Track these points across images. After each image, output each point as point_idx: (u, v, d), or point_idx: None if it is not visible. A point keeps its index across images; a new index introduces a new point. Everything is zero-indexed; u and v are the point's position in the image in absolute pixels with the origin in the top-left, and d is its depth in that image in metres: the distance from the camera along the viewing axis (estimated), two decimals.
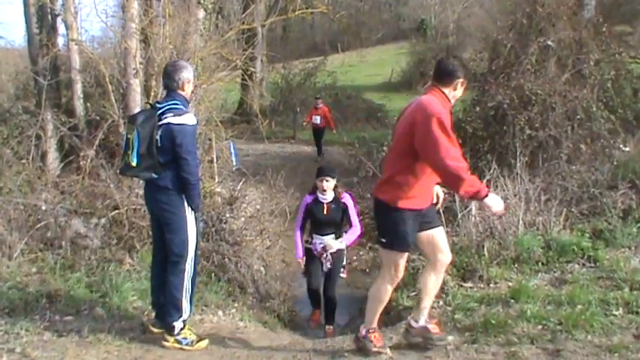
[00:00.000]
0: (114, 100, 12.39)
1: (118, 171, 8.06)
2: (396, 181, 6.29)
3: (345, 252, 9.94)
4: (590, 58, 13.99)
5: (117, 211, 10.29)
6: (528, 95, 13.42)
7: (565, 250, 9.38)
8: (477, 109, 14.57)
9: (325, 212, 9.51)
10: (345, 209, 9.60)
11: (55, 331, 7.24)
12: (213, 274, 9.91)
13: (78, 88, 13.66)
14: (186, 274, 7.03)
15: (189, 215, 7.00)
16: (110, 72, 12.77)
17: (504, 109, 13.62)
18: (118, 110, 12.32)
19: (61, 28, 14.00)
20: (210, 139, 13.75)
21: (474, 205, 10.33)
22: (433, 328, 6.97)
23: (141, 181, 8.86)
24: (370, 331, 6.87)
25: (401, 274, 6.61)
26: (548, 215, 10.16)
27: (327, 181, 9.45)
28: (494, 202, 6.09)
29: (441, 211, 10.06)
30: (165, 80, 7.12)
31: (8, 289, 8.16)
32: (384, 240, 6.51)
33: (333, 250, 9.55)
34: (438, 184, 6.62)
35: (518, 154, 11.96)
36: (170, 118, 6.74)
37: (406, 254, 6.56)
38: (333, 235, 9.61)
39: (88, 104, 13.41)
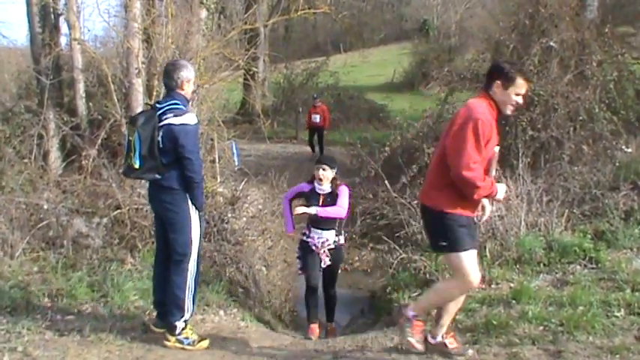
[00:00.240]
0: (116, 100, 12.39)
1: (121, 173, 8.03)
2: (441, 186, 6.11)
3: (344, 246, 9.81)
4: (592, 59, 13.97)
5: (119, 210, 10.29)
6: (530, 96, 13.38)
7: (567, 251, 9.37)
8: None
9: (320, 204, 9.09)
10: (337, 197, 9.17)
11: (56, 330, 7.24)
12: (214, 274, 9.90)
13: (80, 87, 13.67)
14: (189, 273, 7.03)
15: (194, 215, 7.00)
16: (112, 71, 12.77)
17: None
18: (120, 110, 12.32)
19: (63, 28, 14.02)
20: (212, 139, 13.75)
21: None
22: (451, 342, 6.78)
23: (143, 181, 8.86)
24: (417, 318, 6.59)
25: (475, 280, 6.19)
26: (550, 216, 10.16)
27: (323, 169, 9.09)
28: (502, 192, 6.21)
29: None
30: (165, 79, 7.11)
31: (10, 288, 8.16)
32: (444, 244, 6.18)
33: (332, 246, 9.25)
34: (485, 196, 6.32)
35: (520, 154, 11.95)
36: (171, 119, 6.73)
37: (473, 252, 6.18)
38: (333, 231, 9.28)
39: (91, 104, 13.41)
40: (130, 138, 6.77)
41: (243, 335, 8.13)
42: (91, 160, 11.69)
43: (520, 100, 6.14)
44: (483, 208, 6.59)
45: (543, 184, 11.32)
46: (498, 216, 10.12)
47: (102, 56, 13.65)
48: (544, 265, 9.24)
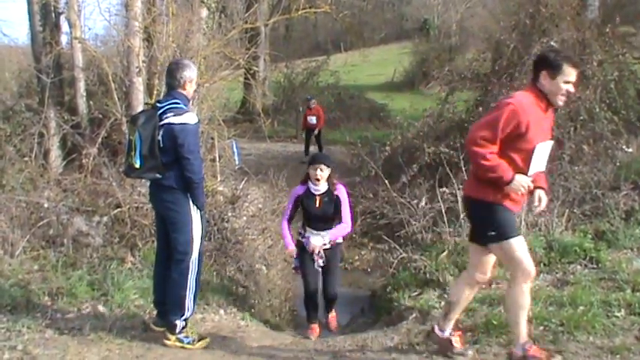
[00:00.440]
0: (117, 99, 12.40)
1: (122, 172, 8.04)
2: (484, 178, 5.90)
3: (341, 245, 9.65)
4: (593, 59, 13.98)
5: (119, 209, 10.30)
6: None
7: (567, 251, 9.37)
8: (480, 109, 14.58)
9: (317, 205, 8.82)
10: (337, 203, 8.89)
11: (56, 329, 7.25)
12: (214, 273, 9.90)
13: (81, 86, 13.67)
14: (190, 272, 7.03)
15: (195, 214, 7.00)
16: (113, 70, 12.77)
17: None
18: (120, 108, 12.33)
19: (64, 26, 14.01)
20: (212, 138, 13.76)
21: None
22: (456, 341, 6.71)
23: (144, 180, 8.86)
24: (527, 347, 6.21)
25: (531, 266, 5.98)
26: (551, 216, 10.17)
27: (320, 170, 8.72)
28: (519, 184, 5.79)
29: (443, 211, 10.13)
30: (167, 78, 7.11)
31: (10, 287, 8.16)
32: (492, 233, 5.96)
33: (317, 249, 8.93)
34: (538, 187, 6.17)
35: None
36: (171, 118, 6.73)
37: (523, 240, 5.99)
38: (328, 231, 8.95)
39: (91, 102, 13.41)
40: (131, 137, 6.79)
41: (243, 334, 8.13)
42: (91, 158, 11.70)
43: (571, 88, 5.88)
44: (540, 199, 6.31)
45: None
46: None
47: (102, 55, 13.67)
48: (544, 264, 9.23)
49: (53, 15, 13.77)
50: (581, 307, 7.48)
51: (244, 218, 12.01)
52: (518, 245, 5.91)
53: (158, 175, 6.82)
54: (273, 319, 9.88)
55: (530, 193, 6.15)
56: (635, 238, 9.82)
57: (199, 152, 7.09)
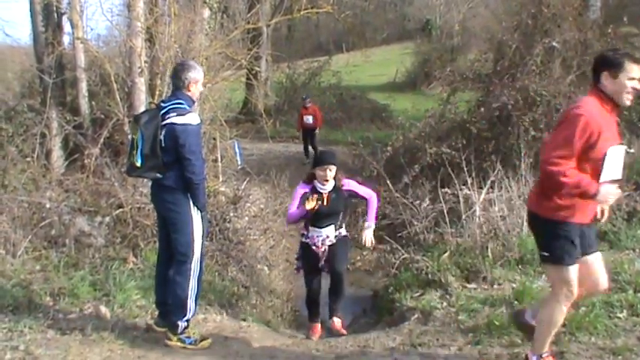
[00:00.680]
0: (119, 99, 12.41)
1: (123, 171, 8.03)
2: (549, 190, 5.67)
3: (347, 237, 9.22)
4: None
5: (121, 209, 10.31)
6: (533, 96, 13.42)
7: None
8: (482, 109, 14.58)
9: (325, 203, 8.48)
10: (351, 195, 8.76)
11: (58, 329, 7.24)
12: (216, 273, 9.90)
13: (83, 86, 13.69)
14: (191, 273, 7.02)
15: (195, 215, 6.99)
16: (115, 71, 12.79)
17: (509, 110, 13.62)
18: (122, 109, 12.34)
19: (66, 27, 14.04)
20: (214, 139, 13.77)
21: (478, 206, 10.34)
22: None
23: (146, 180, 8.87)
24: (544, 356, 6.13)
25: (576, 290, 5.79)
26: None
27: (330, 170, 8.43)
28: (606, 195, 5.53)
29: (445, 212, 10.12)
30: (172, 79, 7.14)
31: (12, 287, 8.17)
32: (546, 254, 5.83)
33: (333, 242, 8.70)
34: (579, 195, 5.67)
35: (522, 155, 11.97)
36: (173, 118, 6.73)
37: (576, 268, 5.74)
38: (332, 227, 8.72)
39: (93, 103, 13.44)
40: (134, 136, 6.79)
41: (245, 335, 8.13)
42: (93, 159, 11.71)
43: (637, 85, 5.64)
44: (602, 212, 6.18)
45: None
46: (500, 216, 10.13)
47: (105, 55, 13.68)
48: None
49: (55, 15, 13.81)
50: (583, 308, 7.47)
51: (246, 219, 12.01)
52: (570, 274, 5.73)
53: (159, 175, 6.83)
54: (274, 319, 9.87)
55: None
56: (637, 238, 9.83)
57: (201, 153, 7.08)
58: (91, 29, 19.20)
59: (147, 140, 6.68)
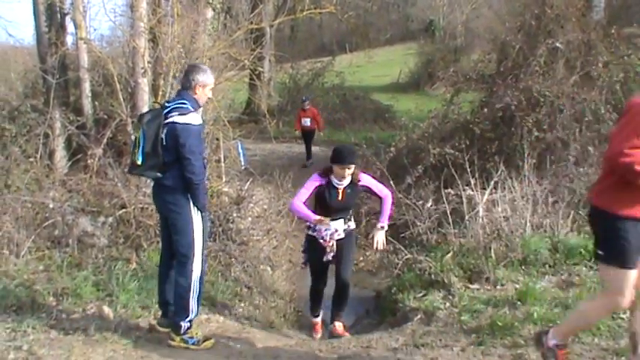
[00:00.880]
0: (122, 99, 12.44)
1: (125, 170, 8.03)
2: (613, 183, 5.43)
3: (355, 230, 9.06)
4: (598, 60, 13.96)
5: (124, 209, 10.32)
6: (536, 97, 13.40)
7: (572, 252, 9.37)
8: (485, 110, 14.56)
9: (340, 198, 8.27)
10: (366, 190, 8.55)
11: (61, 329, 7.25)
12: (219, 274, 9.91)
13: (86, 86, 13.71)
14: (193, 274, 7.02)
15: (196, 216, 6.99)
16: (118, 71, 12.82)
17: (512, 111, 13.61)
18: (125, 109, 12.36)
19: (69, 27, 14.08)
20: (217, 139, 13.78)
21: (481, 207, 10.33)
22: None
23: (149, 181, 8.87)
24: (560, 347, 5.96)
25: (627, 298, 5.47)
26: (556, 217, 10.16)
27: (349, 169, 8.15)
28: None
29: (448, 212, 10.12)
30: (181, 78, 7.21)
31: (15, 287, 8.18)
32: (601, 252, 5.56)
33: (342, 236, 8.48)
34: None
35: (525, 155, 11.95)
36: (175, 117, 6.74)
37: (632, 273, 5.40)
38: (341, 220, 8.48)
39: (96, 103, 13.46)
40: (136, 135, 6.81)
41: (248, 335, 8.14)
42: (96, 159, 11.74)
43: None
44: None
45: (549, 185, 11.33)
46: (503, 217, 10.13)
47: (108, 56, 13.68)
48: (549, 266, 9.23)
49: (59, 16, 13.83)
50: None
51: (249, 219, 12.02)
52: (623, 277, 5.42)
53: (159, 174, 6.83)
54: (277, 320, 9.86)
55: None
56: None
57: (201, 154, 7.06)
58: (94, 29, 19.29)
59: (148, 139, 6.70)
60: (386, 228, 8.58)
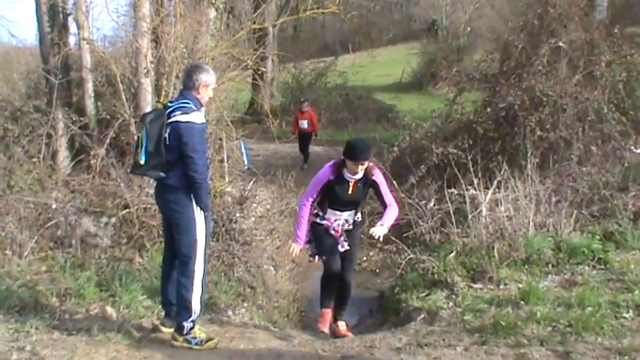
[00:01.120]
0: (125, 100, 12.43)
1: (128, 170, 8.02)
2: None
3: (363, 223, 8.94)
4: (601, 60, 13.95)
5: (127, 210, 10.33)
6: (539, 96, 13.40)
7: (575, 251, 9.37)
8: (488, 110, 14.55)
9: (350, 192, 8.06)
10: (374, 186, 8.19)
11: (64, 330, 7.26)
12: (222, 274, 9.90)
13: (89, 87, 13.68)
14: (195, 274, 7.01)
15: (198, 215, 6.99)
16: (121, 71, 12.81)
17: (515, 110, 13.60)
18: (128, 109, 12.36)
19: (72, 27, 14.02)
20: (220, 139, 13.80)
21: (484, 207, 10.33)
22: None
23: (151, 181, 8.87)
24: None
25: None
26: (559, 217, 10.16)
27: (362, 164, 7.89)
28: None
29: (451, 212, 10.11)
30: (183, 78, 7.19)
31: (18, 288, 8.19)
32: None
33: (351, 227, 8.38)
34: None
35: (528, 155, 11.94)
36: (178, 116, 6.74)
37: None
38: (352, 212, 8.34)
39: (99, 103, 13.42)
40: (139, 135, 6.81)
41: (251, 335, 8.13)
42: (99, 159, 11.75)
43: None
44: None
45: (552, 184, 11.33)
46: (507, 216, 10.13)
47: (110, 56, 13.69)
48: (552, 265, 9.24)
49: (61, 16, 13.80)
50: (589, 308, 7.48)
51: (252, 219, 12.00)
52: None
53: (162, 174, 6.83)
54: (281, 319, 9.85)
55: None
56: None
57: (204, 152, 7.06)
58: (97, 30, 19.36)
59: (151, 138, 6.70)
60: (385, 229, 8.09)
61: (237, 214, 11.34)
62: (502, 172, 11.15)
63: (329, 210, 8.35)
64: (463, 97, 16.46)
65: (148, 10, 12.60)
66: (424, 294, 9.15)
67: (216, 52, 13.36)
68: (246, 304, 9.41)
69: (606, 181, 11.46)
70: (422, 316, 8.39)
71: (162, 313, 7.58)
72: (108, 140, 12.24)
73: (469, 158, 11.91)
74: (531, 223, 9.95)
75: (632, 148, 12.79)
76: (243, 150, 15.11)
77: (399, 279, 10.41)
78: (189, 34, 12.77)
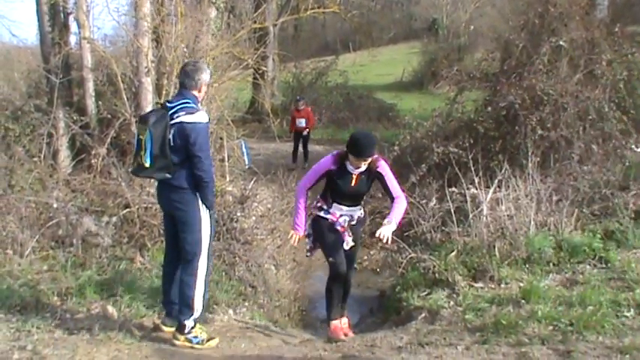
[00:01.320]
0: (125, 99, 12.42)
1: (130, 172, 7.98)
2: None
3: (365, 218, 8.73)
4: (602, 59, 13.95)
5: (128, 209, 10.33)
6: (540, 95, 13.39)
7: (576, 250, 9.37)
8: (489, 109, 14.55)
9: (353, 184, 7.77)
10: (379, 178, 7.89)
11: (65, 329, 7.27)
12: (223, 273, 9.89)
13: (90, 86, 13.69)
14: (199, 272, 7.03)
15: (204, 214, 7.01)
16: (122, 70, 12.80)
17: (516, 109, 13.60)
18: (129, 109, 12.36)
19: (73, 27, 14.03)
20: (221, 138, 13.79)
21: (485, 206, 10.33)
22: None
23: (153, 180, 8.86)
24: None
25: None
26: (560, 216, 10.16)
27: (365, 161, 7.65)
28: None
29: (452, 211, 10.11)
30: (184, 79, 7.04)
31: (20, 287, 8.20)
32: None
33: (354, 222, 8.11)
34: None
35: (529, 154, 11.93)
36: (182, 117, 6.73)
37: None
38: (358, 207, 8.07)
39: (100, 102, 13.41)
40: (141, 137, 6.76)
41: (252, 334, 8.13)
42: (100, 158, 11.75)
43: None
44: None
45: (553, 183, 11.33)
46: (507, 215, 10.12)
47: (111, 55, 13.70)
48: (553, 264, 9.25)
49: (62, 15, 13.80)
50: (591, 307, 7.49)
51: (253, 218, 12.01)
52: None
53: (168, 175, 6.82)
54: (282, 319, 9.86)
55: None
56: None
57: (209, 151, 7.09)
58: (98, 29, 19.25)
59: (156, 141, 6.68)
60: (394, 226, 7.66)
61: (238, 214, 11.33)
62: (503, 171, 11.15)
63: (334, 204, 8.03)
64: (464, 96, 16.46)
65: (149, 9, 12.60)
66: (425, 293, 9.16)
67: (217, 52, 13.36)
68: (247, 304, 9.41)
69: (607, 180, 11.45)
70: (423, 315, 8.40)
71: (164, 313, 7.58)
72: (109, 139, 12.24)
73: (470, 157, 11.91)
74: (532, 222, 9.95)
75: (633, 146, 12.78)
76: (244, 149, 15.11)
77: (400, 278, 10.41)
78: (190, 34, 12.77)
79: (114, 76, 12.78)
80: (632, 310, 7.52)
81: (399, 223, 7.89)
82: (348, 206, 7.98)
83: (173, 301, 7.25)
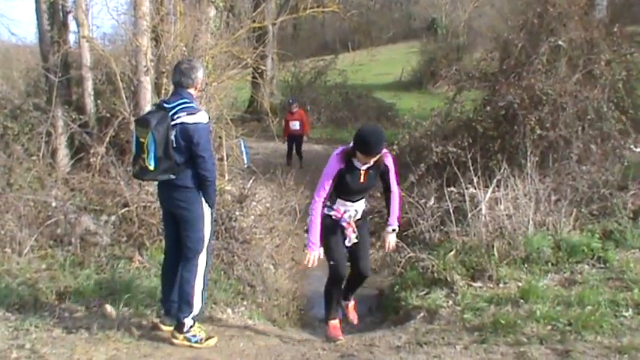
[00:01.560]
0: (124, 98, 12.44)
1: (133, 175, 7.92)
2: None
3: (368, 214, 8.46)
4: (601, 59, 13.95)
5: (127, 208, 10.33)
6: (539, 95, 13.39)
7: (575, 250, 9.38)
8: (488, 108, 14.54)
9: (362, 180, 7.48)
10: (385, 172, 7.69)
11: (64, 328, 7.26)
12: (222, 272, 9.88)
13: (89, 85, 13.70)
14: (199, 269, 7.05)
15: (206, 212, 7.05)
16: (121, 69, 12.82)
17: (515, 109, 13.59)
18: (128, 107, 12.37)
19: (72, 25, 14.05)
20: (220, 137, 13.80)
21: (483, 205, 10.33)
22: None
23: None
24: None
25: None
26: (558, 215, 10.17)
27: (373, 157, 7.31)
28: None
29: (450, 210, 10.11)
30: (180, 78, 6.98)
31: (18, 286, 8.20)
32: None
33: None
34: None
35: (528, 153, 11.93)
36: (184, 118, 6.73)
37: None
38: (363, 201, 7.81)
39: (99, 101, 13.43)
40: (142, 140, 6.72)
41: (251, 333, 8.12)
42: (99, 157, 11.76)
43: None
44: None
45: (551, 183, 11.34)
46: (506, 215, 10.13)
47: (110, 54, 13.72)
48: (552, 264, 9.25)
49: (61, 14, 13.82)
50: (589, 307, 7.49)
51: (252, 217, 12.00)
52: None
53: (172, 176, 6.82)
54: (280, 318, 9.85)
55: None
56: None
57: (212, 151, 7.10)
58: (97, 28, 19.39)
59: (159, 143, 6.64)
60: (397, 230, 7.89)
61: (237, 213, 11.34)
62: (502, 170, 11.15)
63: (338, 200, 7.68)
64: (463, 96, 16.44)
65: (148, 8, 12.60)
66: (424, 292, 9.17)
67: (216, 51, 13.37)
68: (245, 303, 9.41)
69: (606, 180, 11.47)
70: (421, 314, 8.41)
71: (162, 311, 7.57)
72: (107, 138, 12.26)
73: (469, 157, 11.90)
74: (531, 222, 9.96)
75: (632, 146, 12.80)
76: (243, 148, 15.11)
77: (399, 277, 10.43)
78: (189, 33, 12.79)
79: (113, 74, 12.80)
80: (630, 309, 7.53)
81: (398, 218, 7.94)
82: (353, 202, 7.71)
83: (172, 299, 7.25)
